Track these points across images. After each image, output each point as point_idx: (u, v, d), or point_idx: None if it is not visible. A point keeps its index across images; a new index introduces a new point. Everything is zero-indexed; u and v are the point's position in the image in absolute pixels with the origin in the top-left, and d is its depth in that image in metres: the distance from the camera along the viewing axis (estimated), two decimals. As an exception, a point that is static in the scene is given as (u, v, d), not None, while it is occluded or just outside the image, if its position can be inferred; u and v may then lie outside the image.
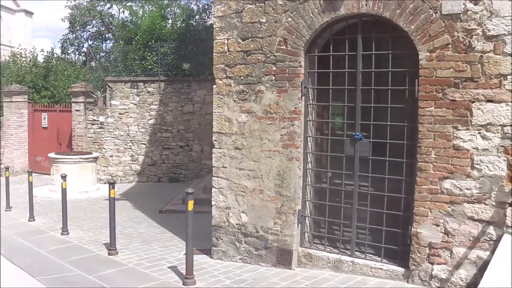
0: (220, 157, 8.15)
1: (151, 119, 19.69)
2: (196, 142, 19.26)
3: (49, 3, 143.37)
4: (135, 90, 19.71)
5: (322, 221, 7.73)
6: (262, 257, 7.80)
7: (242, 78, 7.87)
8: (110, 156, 20.01)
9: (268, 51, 7.58)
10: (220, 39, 8.11)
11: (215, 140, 8.20)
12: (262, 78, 7.65)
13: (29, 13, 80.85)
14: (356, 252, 7.22)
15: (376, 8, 6.65)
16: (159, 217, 12.86)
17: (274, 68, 7.53)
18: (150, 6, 25.50)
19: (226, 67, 8.05)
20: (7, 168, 15.09)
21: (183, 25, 22.32)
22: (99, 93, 20.50)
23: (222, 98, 8.10)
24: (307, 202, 7.65)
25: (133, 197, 16.19)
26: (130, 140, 19.83)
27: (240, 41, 7.88)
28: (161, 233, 11.01)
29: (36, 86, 24.48)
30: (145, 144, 19.79)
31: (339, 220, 7.37)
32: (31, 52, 27.22)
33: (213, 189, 8.31)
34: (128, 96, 19.76)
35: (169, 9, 24.29)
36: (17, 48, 28.30)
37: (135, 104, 19.76)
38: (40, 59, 28.03)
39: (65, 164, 17.29)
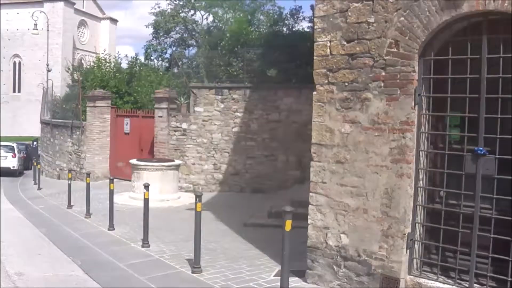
0: (319, 171, 7.39)
1: (235, 126, 19.15)
2: (281, 152, 18.47)
3: (133, 12, 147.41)
4: (220, 96, 19.21)
5: (433, 247, 6.82)
6: (364, 284, 6.97)
7: (346, 84, 7.09)
8: (192, 164, 19.61)
9: (376, 55, 6.77)
10: (322, 41, 7.36)
11: (314, 153, 7.45)
12: (369, 85, 6.84)
13: (114, 21, 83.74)
14: (475, 284, 6.27)
15: (506, 4, 5.73)
16: (244, 231, 12.17)
17: (383, 74, 6.71)
18: (236, 13, 25.02)
19: (328, 72, 7.29)
20: (88, 174, 14.92)
21: (270, 30, 21.75)
22: (182, 99, 20.17)
23: (323, 106, 7.34)
24: (417, 224, 6.77)
25: (215, 207, 15.59)
26: (213, 148, 19.36)
27: (345, 43, 7.10)
28: (247, 249, 10.32)
29: (119, 92, 24.64)
30: (228, 153, 19.26)
31: (455, 247, 6.44)
32: (115, 57, 27.40)
33: (309, 206, 7.54)
34: (212, 102, 19.30)
35: (255, 14, 23.78)
36: (102, 53, 28.55)
37: (219, 111, 19.27)
38: (124, 65, 28.24)
39: (147, 171, 16.98)
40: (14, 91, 74.76)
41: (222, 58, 20.38)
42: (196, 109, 19.54)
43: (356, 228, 7.01)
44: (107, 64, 26.59)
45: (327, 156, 7.29)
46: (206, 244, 10.33)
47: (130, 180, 18.14)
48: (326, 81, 7.30)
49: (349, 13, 7.04)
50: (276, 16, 21.62)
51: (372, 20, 6.82)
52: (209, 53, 21.63)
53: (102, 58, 27.19)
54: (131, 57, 28.13)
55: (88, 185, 14.26)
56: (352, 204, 7.03)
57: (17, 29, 72.80)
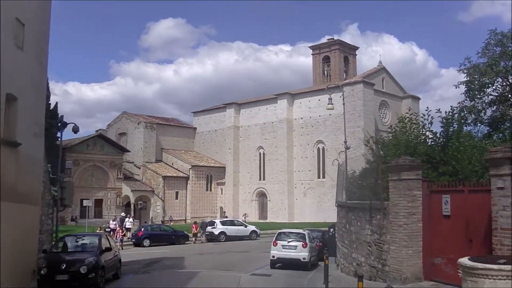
0: None
1: None
2: None
3: (433, 94, 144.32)
4: None
5: None
6: None
7: None
8: None
9: None
10: None
11: None
12: None
13: (415, 99, 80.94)
14: None
15: None
16: None
17: None
18: None
19: None
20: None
21: None
22: (532, 161, 12.99)
23: None
24: None
25: None
26: None
27: None
28: None
29: (432, 160, 18.21)
30: None
31: None
32: (423, 116, 21.12)
33: None
34: None
35: None
36: (406, 114, 22.96)
37: None
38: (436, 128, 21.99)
39: (490, 280, 10.26)
40: (318, 177, 76.65)
41: None
42: (563, 173, 12.24)
43: None
44: (413, 126, 20.71)
45: None
46: None
47: (457, 286, 11.79)
48: None
49: None
50: None
51: None
52: None
53: (406, 117, 21.49)
54: (446, 112, 21.12)
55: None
56: None
57: (319, 116, 75.74)
